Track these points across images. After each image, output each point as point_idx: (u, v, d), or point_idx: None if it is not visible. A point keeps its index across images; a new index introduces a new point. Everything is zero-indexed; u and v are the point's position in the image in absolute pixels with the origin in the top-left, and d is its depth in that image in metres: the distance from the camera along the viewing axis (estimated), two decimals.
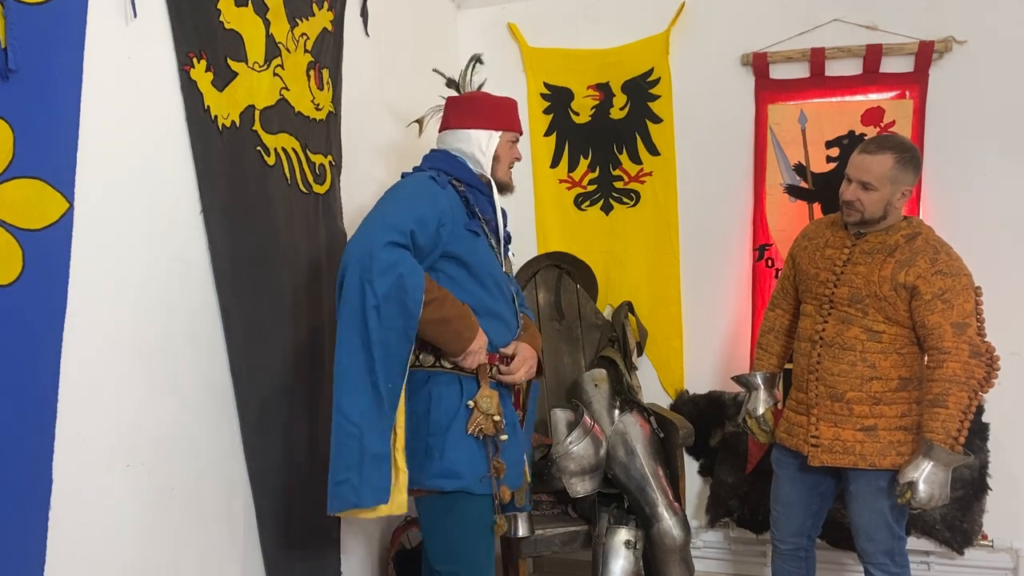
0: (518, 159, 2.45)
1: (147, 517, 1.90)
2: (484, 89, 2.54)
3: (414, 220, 2.06)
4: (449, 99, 2.45)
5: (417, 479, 2.12)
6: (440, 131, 2.42)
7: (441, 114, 2.46)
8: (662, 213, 3.64)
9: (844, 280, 2.55)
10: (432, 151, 2.40)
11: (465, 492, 2.15)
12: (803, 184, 3.44)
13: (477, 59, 2.55)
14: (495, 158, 2.36)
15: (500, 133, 2.37)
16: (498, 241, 2.36)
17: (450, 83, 2.56)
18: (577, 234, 3.75)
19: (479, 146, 2.34)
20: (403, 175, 2.35)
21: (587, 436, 2.93)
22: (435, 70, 2.61)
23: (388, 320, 1.99)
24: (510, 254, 2.45)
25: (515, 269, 3.58)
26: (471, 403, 2.16)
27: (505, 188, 2.41)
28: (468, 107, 2.39)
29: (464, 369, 2.17)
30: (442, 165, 2.32)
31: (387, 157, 2.98)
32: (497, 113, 2.39)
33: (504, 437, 2.19)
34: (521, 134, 2.47)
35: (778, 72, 3.43)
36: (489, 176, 2.35)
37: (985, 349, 2.40)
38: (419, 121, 2.61)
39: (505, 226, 2.42)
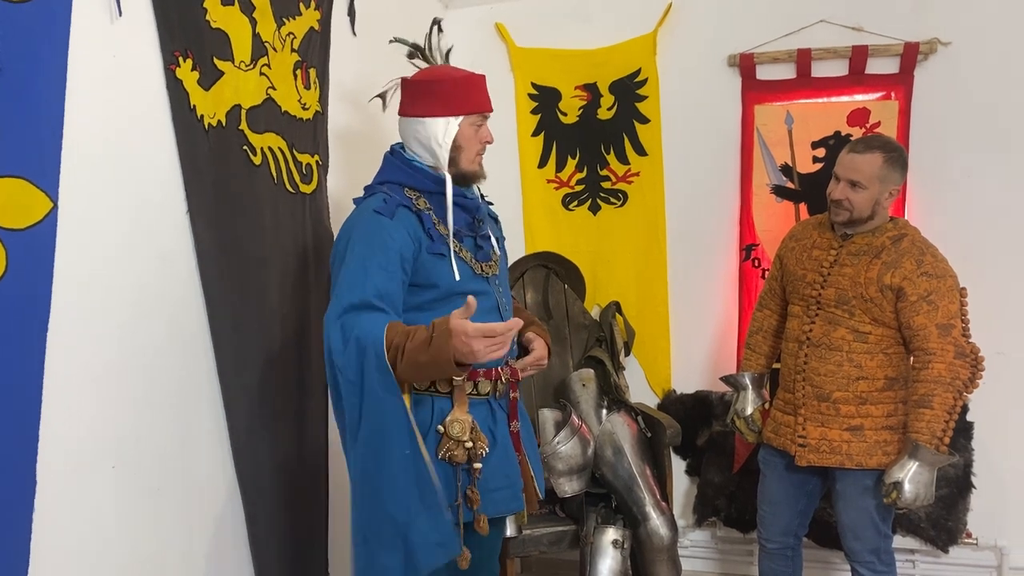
0: (489, 142, 2.17)
1: (134, 518, 1.89)
2: (452, 58, 2.29)
3: (375, 275, 1.90)
4: (405, 80, 2.17)
5: None
6: (399, 115, 2.17)
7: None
8: (649, 213, 3.65)
9: (831, 281, 2.56)
10: (388, 155, 2.18)
11: None
12: (789, 184, 3.45)
13: (437, 24, 2.30)
14: (456, 147, 2.09)
15: (460, 119, 2.09)
16: (477, 244, 2.14)
17: (413, 52, 2.30)
18: (565, 234, 3.75)
19: (435, 137, 2.07)
20: (355, 202, 2.13)
21: (575, 436, 2.93)
22: (396, 38, 2.34)
23: (366, 392, 1.83)
24: (494, 248, 2.20)
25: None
26: (440, 428, 1.99)
27: (474, 178, 2.15)
28: (423, 91, 2.10)
29: (439, 390, 2.02)
30: (397, 178, 2.10)
31: (375, 157, 2.96)
32: (456, 95, 2.10)
33: (478, 465, 2.00)
34: (490, 111, 2.18)
35: (764, 73, 3.44)
36: (445, 171, 2.08)
37: (970, 350, 2.42)
38: (381, 96, 2.37)
39: (492, 217, 2.21)
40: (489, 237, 2.21)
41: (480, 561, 2.15)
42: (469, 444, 1.99)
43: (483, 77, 2.19)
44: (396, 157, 2.16)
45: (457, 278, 2.05)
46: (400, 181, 2.10)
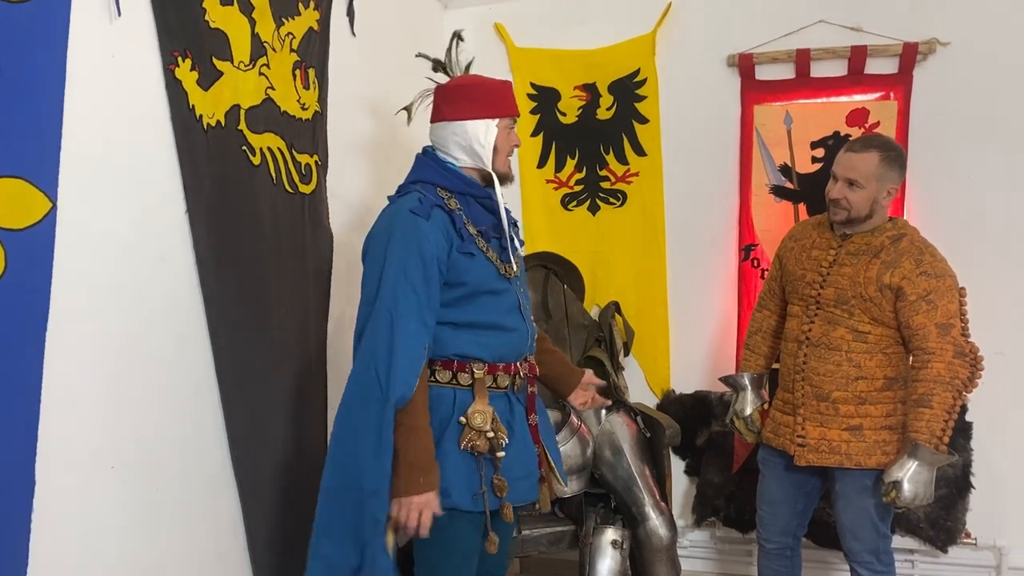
0: (517, 145, 2.26)
1: (132, 519, 1.89)
2: (472, 70, 2.37)
3: (418, 284, 1.98)
4: (439, 87, 2.26)
5: None
6: (432, 122, 2.24)
7: (431, 101, 2.27)
8: (648, 213, 3.65)
9: (830, 281, 2.56)
10: (421, 155, 2.23)
11: (456, 510, 2.03)
12: (788, 185, 3.45)
13: (458, 36, 2.37)
14: (494, 149, 2.17)
15: (497, 120, 2.17)
16: (501, 245, 2.19)
17: (436, 66, 2.36)
18: (564, 234, 3.75)
19: (476, 138, 2.15)
20: (389, 199, 2.18)
21: (574, 436, 2.93)
22: (420, 54, 2.41)
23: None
24: (518, 249, 2.28)
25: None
26: (462, 419, 2.04)
27: (505, 179, 2.23)
28: (461, 95, 2.19)
29: (460, 383, 2.08)
30: (430, 177, 2.15)
31: (374, 156, 2.97)
32: (492, 99, 2.19)
33: (501, 454, 2.06)
34: (519, 116, 2.28)
35: (764, 73, 3.44)
36: (490, 169, 2.17)
37: (969, 350, 2.42)
38: (407, 109, 2.42)
39: (511, 222, 2.26)
40: (512, 239, 2.26)
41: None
42: (491, 434, 2.05)
43: (512, 84, 2.27)
44: (429, 157, 2.21)
45: (493, 274, 2.12)
46: (433, 180, 2.15)
